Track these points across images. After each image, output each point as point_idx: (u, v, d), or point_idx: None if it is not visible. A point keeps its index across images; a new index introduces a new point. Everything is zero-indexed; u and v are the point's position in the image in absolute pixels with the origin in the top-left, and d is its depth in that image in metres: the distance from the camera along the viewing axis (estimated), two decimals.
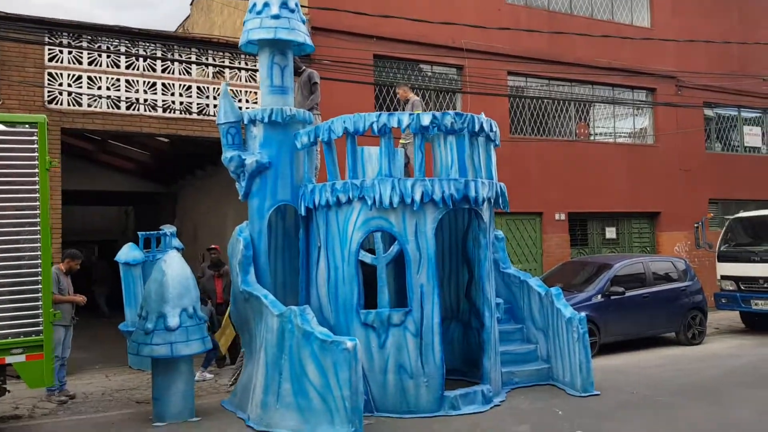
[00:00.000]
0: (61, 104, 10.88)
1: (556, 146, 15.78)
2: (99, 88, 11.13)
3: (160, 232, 11.55)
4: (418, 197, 7.90)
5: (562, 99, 15.96)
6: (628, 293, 11.82)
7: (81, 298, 9.16)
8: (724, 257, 14.01)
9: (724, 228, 14.47)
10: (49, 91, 10.79)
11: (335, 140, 8.29)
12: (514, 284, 10.08)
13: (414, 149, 8.48)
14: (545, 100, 15.82)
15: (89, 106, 11.06)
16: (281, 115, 8.52)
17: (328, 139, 8.22)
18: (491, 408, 8.08)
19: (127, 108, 11.31)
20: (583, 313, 10.97)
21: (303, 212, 8.56)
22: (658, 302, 12.16)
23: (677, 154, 17.43)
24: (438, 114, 8.13)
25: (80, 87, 11.01)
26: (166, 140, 14.55)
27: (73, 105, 10.96)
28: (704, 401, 8.28)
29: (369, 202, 7.95)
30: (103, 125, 11.14)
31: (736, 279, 13.60)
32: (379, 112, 8.07)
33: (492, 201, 8.52)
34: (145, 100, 11.45)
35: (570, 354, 8.91)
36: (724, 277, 13.92)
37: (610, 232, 16.76)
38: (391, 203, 7.88)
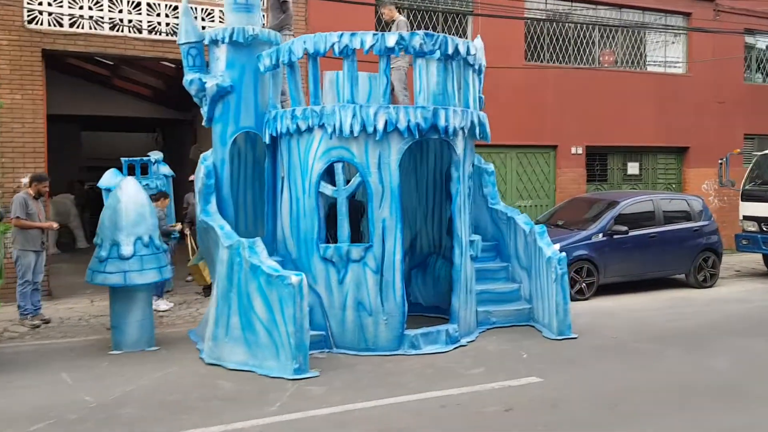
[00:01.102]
0: (41, 24, 10.55)
1: (577, 74, 14.78)
2: (81, 7, 10.74)
3: (145, 158, 11.35)
4: (381, 126, 7.38)
5: (585, 23, 14.86)
6: (634, 232, 11.15)
7: (49, 225, 9.04)
8: (747, 196, 13.08)
9: (751, 165, 13.47)
10: (28, 11, 10.47)
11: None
12: (502, 221, 9.55)
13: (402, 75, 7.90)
14: (566, 25, 14.75)
15: (71, 26, 10.71)
16: (243, 35, 8.01)
17: (289, 61, 7.69)
18: (455, 348, 7.74)
19: (111, 29, 10.92)
20: (578, 252, 10.57)
21: (267, 140, 8.15)
22: (667, 242, 11.46)
23: (712, 84, 16.18)
24: (405, 34, 7.49)
25: (61, 6, 10.64)
26: (172, 65, 14.16)
27: (54, 25, 10.62)
28: (683, 348, 7.75)
29: (329, 131, 7.48)
30: (86, 47, 10.80)
31: (759, 220, 12.70)
32: (341, 32, 7.47)
33: (466, 131, 7.92)
34: (130, 21, 11.03)
35: (548, 295, 8.43)
36: (746, 218, 13.03)
37: (633, 168, 15.85)
38: (351, 131, 7.39)
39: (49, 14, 10.58)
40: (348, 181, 8.21)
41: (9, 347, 7.98)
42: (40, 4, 10.54)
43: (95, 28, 10.83)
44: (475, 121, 8.04)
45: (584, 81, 14.78)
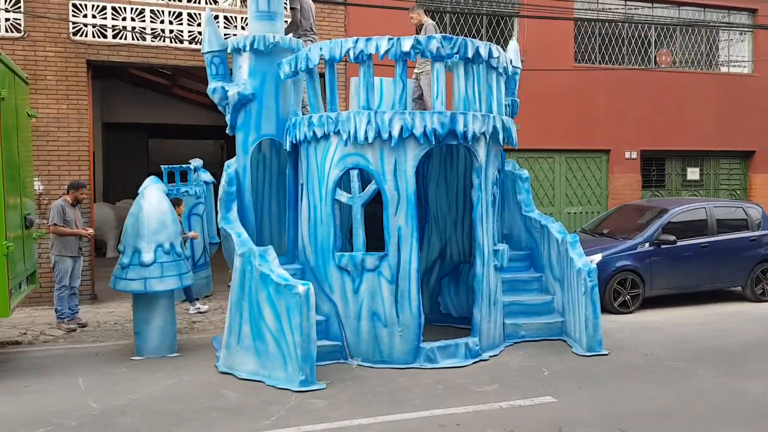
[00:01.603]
0: (86, 36, 10.89)
1: (631, 76, 14.16)
2: (123, 19, 11.04)
3: (185, 165, 11.54)
4: (396, 132, 7.21)
5: (641, 22, 14.22)
6: (684, 242, 10.53)
7: (85, 232, 9.28)
8: None
9: None
10: (73, 24, 10.83)
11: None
12: (536, 229, 9.19)
13: (431, 79, 7.64)
14: (619, 24, 14.16)
15: (114, 37, 11.01)
16: (263, 43, 7.99)
17: (306, 68, 7.61)
18: (474, 363, 7.45)
19: (153, 39, 11.17)
20: (622, 263, 10.07)
21: (288, 147, 8.10)
22: (720, 253, 10.77)
23: None
24: (421, 38, 7.29)
25: (105, 18, 10.96)
26: None
27: (98, 36, 10.95)
28: (720, 368, 7.20)
29: (344, 137, 7.36)
30: (128, 57, 11.08)
31: None
32: (356, 38, 7.34)
33: (488, 136, 7.63)
34: (171, 31, 11.25)
35: (579, 308, 8.03)
36: None
37: (693, 173, 15.05)
38: (366, 138, 7.25)
39: (93, 26, 10.91)
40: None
41: (39, 351, 8.21)
42: (85, 16, 10.88)
43: (138, 39, 11.10)
44: (498, 126, 7.74)
45: (639, 83, 14.14)
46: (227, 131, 8.33)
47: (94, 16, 10.92)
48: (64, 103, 10.81)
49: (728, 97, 14.81)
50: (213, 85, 8.14)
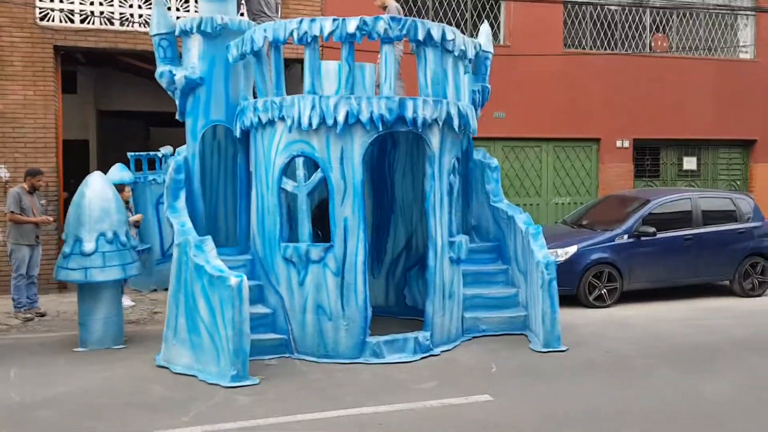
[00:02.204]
0: (53, 21, 10.70)
1: (624, 61, 13.65)
2: (91, 3, 10.82)
3: (153, 153, 11.33)
4: (341, 118, 6.88)
5: (633, 6, 13.69)
6: (666, 234, 10.10)
7: (42, 219, 9.09)
8: None
9: None
10: (40, 9, 10.63)
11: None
12: (503, 220, 8.83)
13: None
14: (611, 8, 13.64)
15: (82, 22, 10.80)
16: (211, 25, 7.70)
17: (251, 51, 7.31)
18: (422, 358, 7.14)
19: (121, 24, 10.94)
20: (598, 255, 9.69)
21: (238, 134, 7.81)
22: (706, 246, 10.32)
23: None
24: (368, 19, 6.94)
25: (72, 3, 10.74)
26: None
27: (65, 22, 10.75)
28: (683, 368, 6.81)
29: (288, 123, 7.06)
30: (96, 42, 10.85)
31: None
32: (301, 18, 7.02)
33: (441, 123, 7.27)
34: (140, 15, 11.01)
35: (537, 302, 7.68)
36: None
37: (689, 163, 14.51)
38: (310, 124, 6.94)
39: (61, 11, 10.71)
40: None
41: None
42: (52, 1, 10.68)
43: (106, 24, 10.87)
44: (453, 112, 7.36)
45: (633, 69, 13.64)
46: (177, 116, 8.07)
47: (61, 1, 10.71)
48: (30, 89, 10.63)
49: (728, 83, 14.25)
50: (161, 69, 7.87)
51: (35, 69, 10.64)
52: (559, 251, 9.86)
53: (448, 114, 7.32)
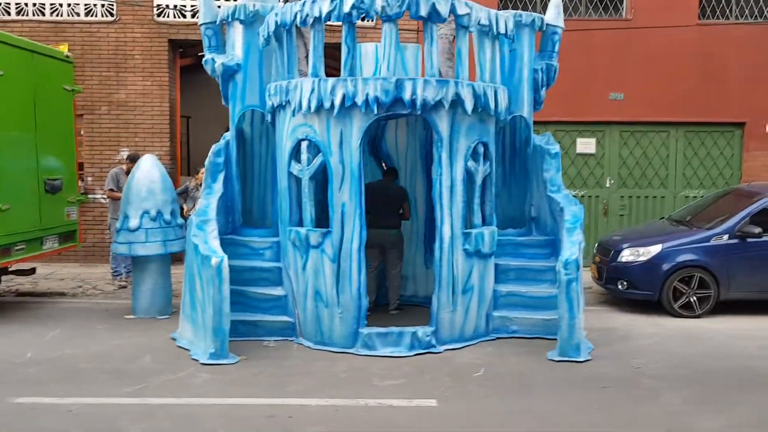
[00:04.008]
0: (168, 17, 11.69)
1: None
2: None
3: None
4: (338, 101, 6.71)
5: None
6: None
7: None
8: None
9: None
10: (157, 6, 11.66)
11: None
12: (557, 212, 7.99)
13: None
14: None
15: (193, 16, 11.65)
16: (244, 12, 7.88)
17: (268, 35, 7.39)
18: (418, 354, 6.77)
19: None
20: (685, 257, 8.46)
21: (269, 118, 7.95)
22: None
23: None
24: None
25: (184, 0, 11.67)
26: None
27: (178, 17, 11.68)
28: (696, 397, 5.66)
29: (293, 107, 7.04)
30: None
31: None
32: (305, 1, 6.93)
33: (447, 104, 6.74)
34: None
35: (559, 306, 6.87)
36: None
37: None
38: (309, 107, 6.86)
39: (174, 7, 11.66)
40: None
41: (71, 302, 9.13)
42: None
43: None
44: (464, 93, 6.79)
45: None
46: (222, 102, 8.42)
47: None
48: (148, 79, 11.74)
49: None
50: (206, 57, 8.23)
51: (153, 61, 11.72)
52: (641, 250, 8.73)
53: (457, 95, 6.78)
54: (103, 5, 11.68)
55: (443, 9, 6.67)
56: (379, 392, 5.71)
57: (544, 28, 8.36)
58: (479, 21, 6.94)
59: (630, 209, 11.76)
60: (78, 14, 11.70)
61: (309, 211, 7.12)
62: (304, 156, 7.14)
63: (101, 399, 5.49)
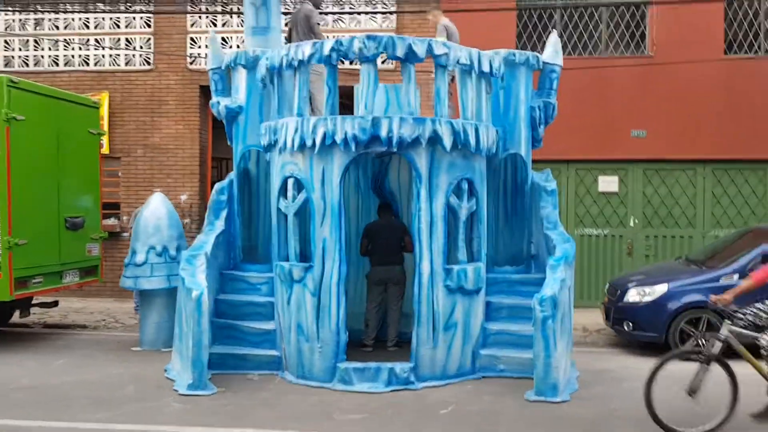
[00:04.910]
0: (200, 64, 12.32)
1: None
2: (230, 47, 12.24)
3: None
4: (318, 139, 6.93)
5: None
6: None
7: None
8: None
9: None
10: (190, 55, 12.34)
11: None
12: (552, 249, 7.86)
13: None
14: None
15: None
16: (245, 58, 8.26)
17: (262, 78, 7.73)
18: (394, 391, 6.76)
19: None
20: (692, 298, 8.12)
21: (267, 156, 8.25)
22: None
23: None
24: (344, 40, 6.90)
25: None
26: None
27: None
28: None
29: (279, 145, 7.31)
30: None
31: None
32: (289, 45, 7.24)
33: (424, 141, 6.83)
34: None
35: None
36: None
37: None
38: (293, 146, 7.10)
39: (206, 56, 12.27)
40: None
41: (90, 334, 9.63)
42: (199, 47, 12.32)
43: None
44: (442, 130, 6.87)
45: None
46: (228, 142, 8.79)
47: (206, 46, 12.29)
48: (181, 123, 12.36)
49: None
50: (213, 100, 8.66)
51: (185, 107, 12.35)
52: (647, 290, 8.46)
53: (435, 132, 6.87)
54: (141, 55, 12.45)
55: (420, 50, 6.83)
56: (334, 427, 5.75)
57: (541, 67, 8.38)
58: (458, 60, 7.05)
59: (656, 249, 11.40)
60: (118, 64, 12.50)
61: (293, 246, 7.30)
62: (289, 192, 7.36)
63: (71, 423, 5.74)
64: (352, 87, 7.42)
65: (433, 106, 7.15)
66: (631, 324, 8.49)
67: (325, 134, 6.89)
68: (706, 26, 11.22)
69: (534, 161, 10.93)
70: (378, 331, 8.36)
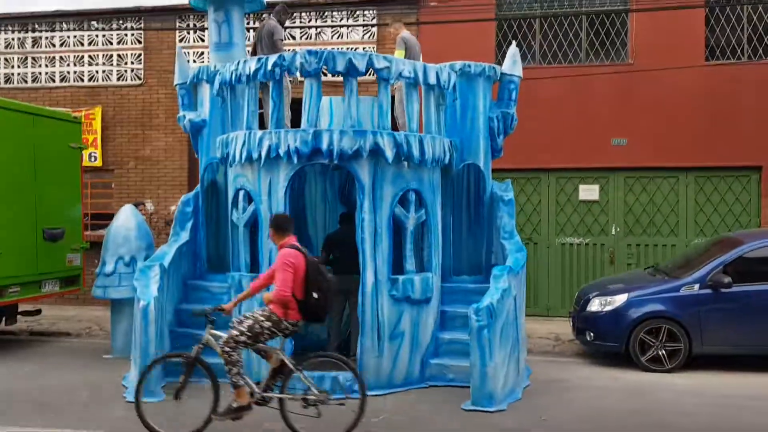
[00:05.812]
0: None
1: None
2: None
3: None
4: (264, 152, 7.09)
5: None
6: (749, 286, 7.94)
7: None
8: None
9: None
10: None
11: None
12: (505, 259, 7.91)
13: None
14: None
15: None
16: (206, 73, 8.49)
17: (218, 92, 7.95)
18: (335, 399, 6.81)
19: None
20: (651, 307, 8.09)
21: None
22: None
23: None
24: (287, 55, 7.07)
25: (203, 62, 12.56)
26: None
27: None
28: None
29: (230, 158, 7.49)
30: None
31: None
32: (238, 60, 7.43)
33: (365, 153, 6.94)
34: None
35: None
36: None
37: None
38: (241, 158, 7.28)
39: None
40: None
41: (69, 342, 9.92)
42: (188, 62, 12.59)
43: None
44: (383, 142, 6.97)
45: None
46: (195, 155, 9.02)
47: (194, 61, 12.60)
48: (170, 136, 12.67)
49: None
50: (179, 114, 8.90)
51: (174, 120, 12.51)
52: (608, 299, 8.42)
53: (376, 144, 6.97)
54: (132, 70, 12.81)
55: (360, 64, 6.96)
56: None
57: (500, 78, 8.43)
58: (401, 73, 7.15)
59: (638, 257, 11.28)
60: (111, 80, 12.88)
61: (243, 257, 7.47)
62: (240, 204, 7.53)
63: (9, 428, 5.97)
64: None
65: (378, 119, 7.26)
66: (592, 334, 8.45)
67: (269, 147, 7.05)
68: (687, 33, 11.10)
69: (513, 170, 11.14)
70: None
